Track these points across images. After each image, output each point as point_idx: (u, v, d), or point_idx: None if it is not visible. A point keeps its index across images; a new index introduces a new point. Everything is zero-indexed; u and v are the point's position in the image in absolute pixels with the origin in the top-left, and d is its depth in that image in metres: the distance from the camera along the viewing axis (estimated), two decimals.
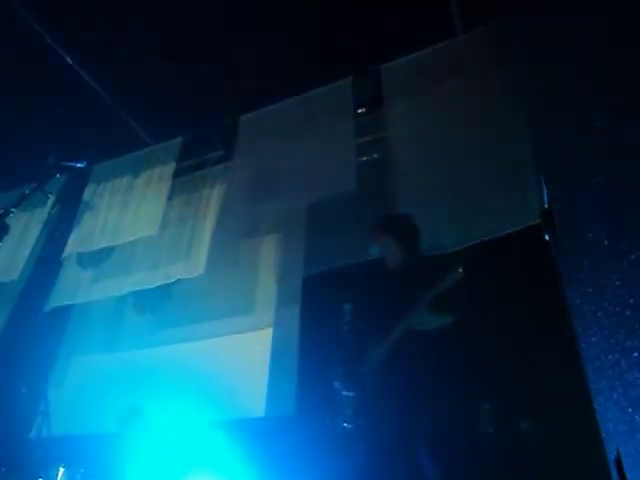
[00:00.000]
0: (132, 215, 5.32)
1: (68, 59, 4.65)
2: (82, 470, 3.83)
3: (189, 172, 5.64)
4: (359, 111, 4.91)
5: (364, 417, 2.77)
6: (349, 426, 2.84)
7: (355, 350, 2.92)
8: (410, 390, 2.67)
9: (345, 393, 2.89)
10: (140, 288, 5.13)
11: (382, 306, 2.85)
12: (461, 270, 2.67)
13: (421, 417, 2.63)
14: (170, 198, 5.33)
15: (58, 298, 5.39)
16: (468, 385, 2.97)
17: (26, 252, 5.52)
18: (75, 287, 5.44)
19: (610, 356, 1.42)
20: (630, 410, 1.31)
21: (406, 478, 2.62)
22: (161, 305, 5.52)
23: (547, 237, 3.00)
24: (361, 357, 2.85)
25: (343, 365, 2.94)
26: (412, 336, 2.71)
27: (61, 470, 3.80)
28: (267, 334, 4.87)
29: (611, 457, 1.59)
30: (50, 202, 5.60)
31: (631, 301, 1.29)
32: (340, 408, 2.87)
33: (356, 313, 3.07)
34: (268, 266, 5.20)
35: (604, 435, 1.72)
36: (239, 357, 4.93)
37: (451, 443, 2.61)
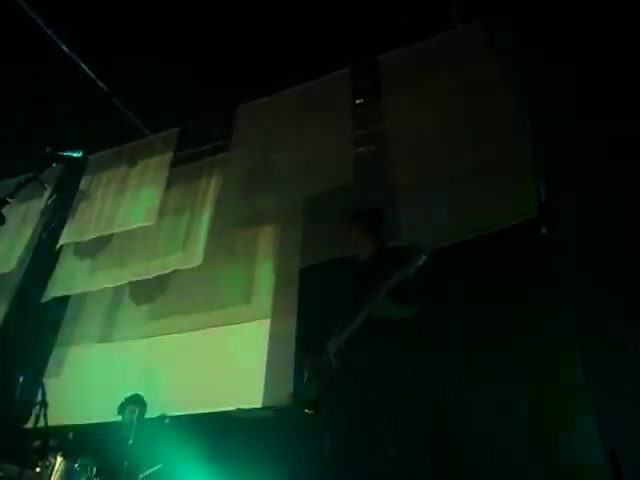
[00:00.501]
0: (128, 205, 5.31)
1: (65, 48, 4.61)
2: (80, 460, 3.84)
3: (187, 162, 5.63)
4: (357, 102, 4.90)
5: (327, 404, 2.77)
6: (310, 412, 2.84)
7: (321, 339, 2.92)
8: (371, 378, 2.68)
9: (308, 379, 2.90)
10: (137, 278, 5.13)
11: (351, 298, 2.84)
12: (424, 257, 2.65)
13: (382, 404, 2.63)
14: (167, 188, 5.32)
15: (56, 288, 5.39)
16: (433, 375, 2.98)
17: (23, 243, 5.51)
18: (73, 278, 5.44)
19: (608, 348, 1.43)
20: (626, 402, 1.33)
21: (371, 463, 2.62)
22: (158, 295, 5.52)
23: (544, 230, 3.02)
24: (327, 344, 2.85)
25: (309, 353, 2.95)
26: (373, 325, 2.70)
27: (59, 459, 3.82)
28: (264, 325, 4.88)
29: (606, 449, 1.61)
30: (47, 192, 5.59)
31: (630, 291, 1.30)
32: (304, 395, 2.88)
33: (329, 306, 3.08)
34: (266, 257, 5.20)
35: (599, 426, 1.74)
36: (236, 347, 4.95)
37: (413, 430, 2.62)
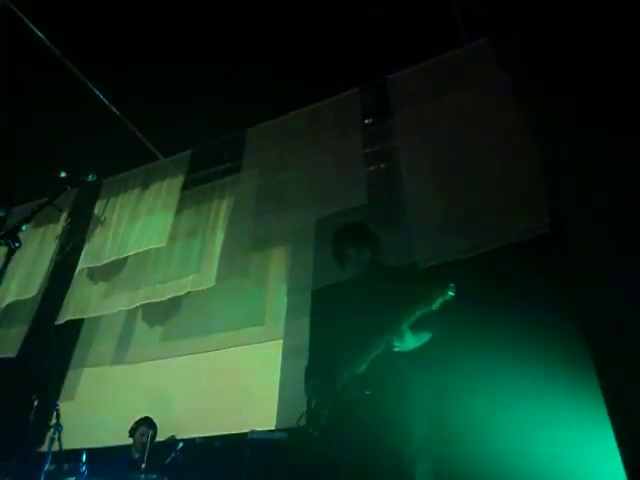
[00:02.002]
0: (141, 227, 5.35)
1: (80, 74, 4.72)
2: None
3: (198, 184, 5.68)
4: (366, 122, 4.93)
5: (334, 431, 2.70)
6: (317, 435, 2.76)
7: (333, 361, 2.85)
8: (375, 416, 2.61)
9: (320, 404, 2.83)
10: (151, 301, 5.15)
11: (357, 318, 2.77)
12: (451, 292, 2.54)
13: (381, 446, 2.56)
14: (180, 210, 5.36)
15: (70, 311, 5.43)
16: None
17: (43, 268, 5.55)
18: (87, 301, 5.48)
19: (630, 375, 1.39)
20: None
21: None
22: (171, 317, 5.53)
23: (556, 246, 2.99)
24: (338, 369, 2.78)
25: (320, 376, 2.88)
26: (388, 357, 2.63)
27: None
28: (278, 346, 4.86)
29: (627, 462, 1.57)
30: (63, 217, 5.66)
31: None
32: (314, 418, 2.81)
33: (336, 325, 3.00)
34: (278, 278, 5.21)
35: (620, 440, 1.69)
36: (249, 369, 4.93)
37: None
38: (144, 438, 4.18)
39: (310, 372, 2.95)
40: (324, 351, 3.02)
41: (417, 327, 2.60)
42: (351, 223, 3.24)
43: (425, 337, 2.66)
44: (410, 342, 2.59)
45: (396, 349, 2.57)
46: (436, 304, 2.51)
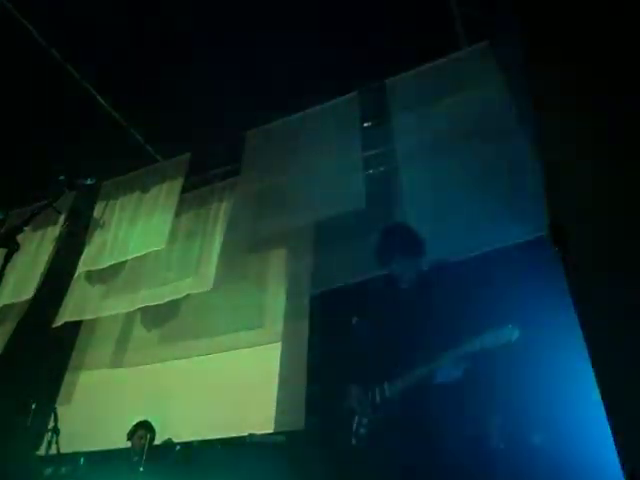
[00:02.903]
0: (140, 230, 5.34)
1: (79, 77, 4.72)
2: None
3: (197, 187, 5.68)
4: (365, 125, 4.93)
5: (375, 440, 2.67)
6: (359, 444, 2.74)
7: (370, 370, 2.81)
8: (418, 436, 2.57)
9: (361, 413, 2.78)
10: (149, 304, 5.13)
11: (396, 326, 2.73)
12: (517, 334, 2.50)
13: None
14: (178, 213, 5.35)
15: (67, 313, 5.40)
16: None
17: (39, 271, 5.52)
18: (84, 303, 5.45)
19: (629, 378, 1.39)
20: None
21: None
22: (169, 320, 5.52)
23: (555, 249, 2.97)
24: (377, 379, 2.74)
25: (359, 383, 2.83)
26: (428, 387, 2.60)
27: None
28: (276, 348, 4.86)
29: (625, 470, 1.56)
30: (61, 219, 5.65)
31: None
32: (354, 426, 2.77)
33: (368, 330, 2.94)
34: (276, 281, 5.20)
35: (618, 448, 1.68)
36: (248, 372, 4.92)
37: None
38: (142, 441, 4.17)
39: (345, 375, 2.91)
40: (361, 355, 2.93)
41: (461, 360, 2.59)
42: (399, 224, 3.21)
43: (466, 365, 2.63)
44: (452, 372, 2.57)
45: (438, 380, 2.55)
46: (498, 345, 2.50)
